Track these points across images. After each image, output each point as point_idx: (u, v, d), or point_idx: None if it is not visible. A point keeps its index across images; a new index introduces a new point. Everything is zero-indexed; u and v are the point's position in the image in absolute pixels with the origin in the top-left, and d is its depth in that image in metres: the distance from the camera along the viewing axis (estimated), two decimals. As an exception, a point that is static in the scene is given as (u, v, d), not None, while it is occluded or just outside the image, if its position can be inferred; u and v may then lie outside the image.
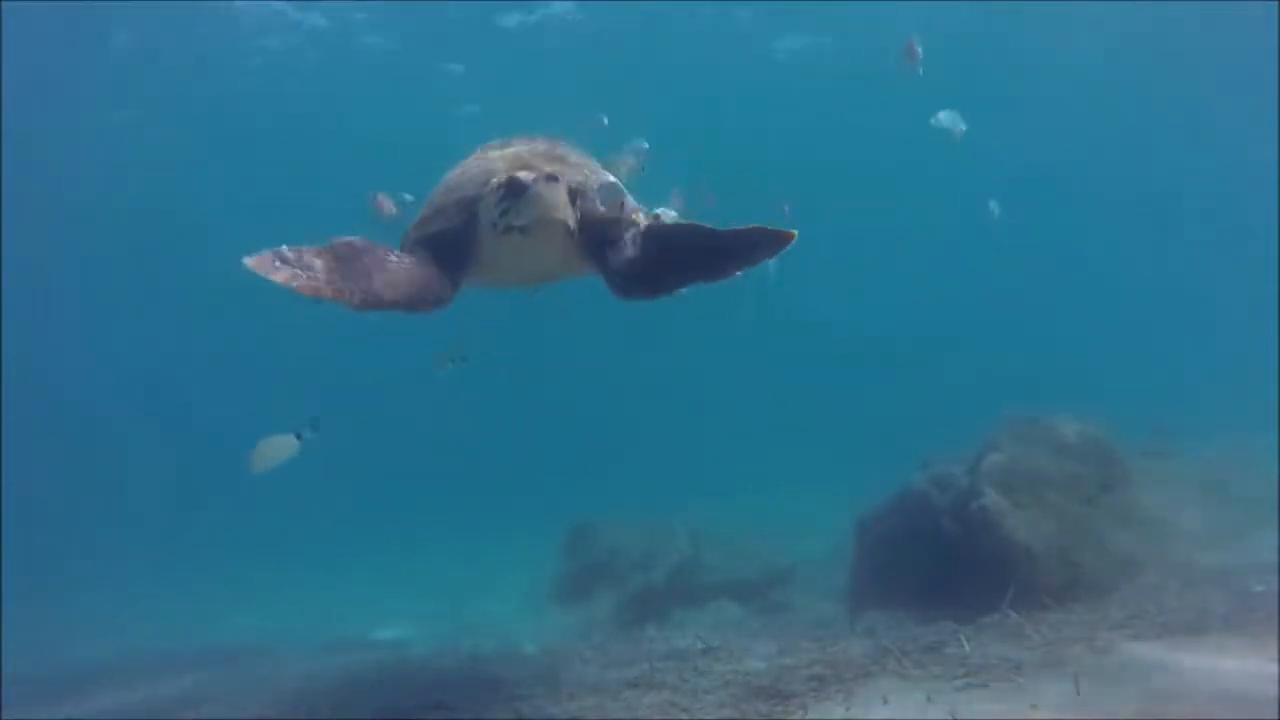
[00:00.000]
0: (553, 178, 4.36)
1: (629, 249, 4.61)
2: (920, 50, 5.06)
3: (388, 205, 6.74)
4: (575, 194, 4.52)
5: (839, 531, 9.31)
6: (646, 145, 5.32)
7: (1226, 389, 15.36)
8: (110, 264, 24.34)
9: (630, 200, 4.98)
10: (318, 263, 4.16)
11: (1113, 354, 23.91)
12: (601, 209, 4.67)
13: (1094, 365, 21.76)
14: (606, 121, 5.71)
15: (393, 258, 4.43)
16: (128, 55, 16.55)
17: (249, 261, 4.02)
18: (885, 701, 5.04)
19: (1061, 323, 28.55)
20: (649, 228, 4.73)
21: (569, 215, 4.42)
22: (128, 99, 17.87)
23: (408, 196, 6.60)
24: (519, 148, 5.06)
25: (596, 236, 4.68)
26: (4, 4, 13.85)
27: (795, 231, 4.32)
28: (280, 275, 4.02)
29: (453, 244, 4.70)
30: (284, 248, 4.16)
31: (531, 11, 17.21)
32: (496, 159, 4.96)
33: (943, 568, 7.53)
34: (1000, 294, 29.96)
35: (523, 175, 4.46)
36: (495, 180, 4.61)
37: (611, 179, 4.90)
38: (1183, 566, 7.33)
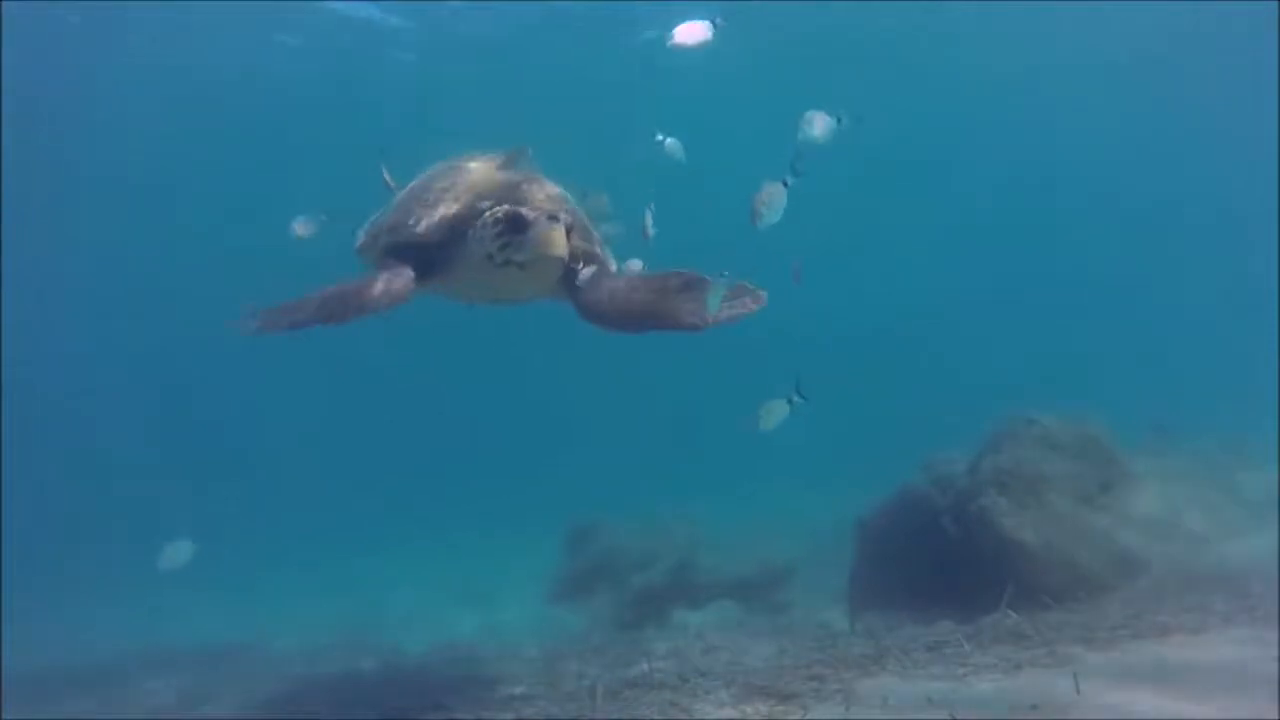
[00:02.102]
0: (554, 217, 4.52)
1: (610, 287, 4.86)
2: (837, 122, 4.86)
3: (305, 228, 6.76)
4: (569, 230, 4.68)
5: (839, 531, 9.31)
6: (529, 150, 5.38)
7: (1226, 388, 15.36)
8: (113, 262, 24.37)
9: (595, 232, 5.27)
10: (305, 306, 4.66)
11: (1113, 354, 23.90)
12: (580, 243, 4.91)
13: (1094, 365, 21.76)
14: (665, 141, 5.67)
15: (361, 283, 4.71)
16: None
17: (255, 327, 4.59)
18: (885, 701, 5.04)
19: (1061, 322, 28.53)
20: (643, 278, 4.97)
21: (565, 252, 4.58)
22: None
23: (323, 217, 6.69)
24: (500, 169, 5.15)
25: (573, 268, 4.94)
26: (4, 4, 13.84)
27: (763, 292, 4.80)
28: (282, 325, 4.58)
29: (429, 256, 4.83)
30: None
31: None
32: (478, 178, 5.04)
33: (943, 568, 7.53)
34: (1000, 293, 29.99)
35: (525, 212, 4.60)
36: (493, 211, 4.70)
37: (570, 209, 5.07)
38: (1183, 566, 7.32)
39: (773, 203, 4.61)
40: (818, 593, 9.34)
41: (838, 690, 5.36)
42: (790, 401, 5.04)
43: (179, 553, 6.37)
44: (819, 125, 4.95)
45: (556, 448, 23.69)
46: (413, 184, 5.46)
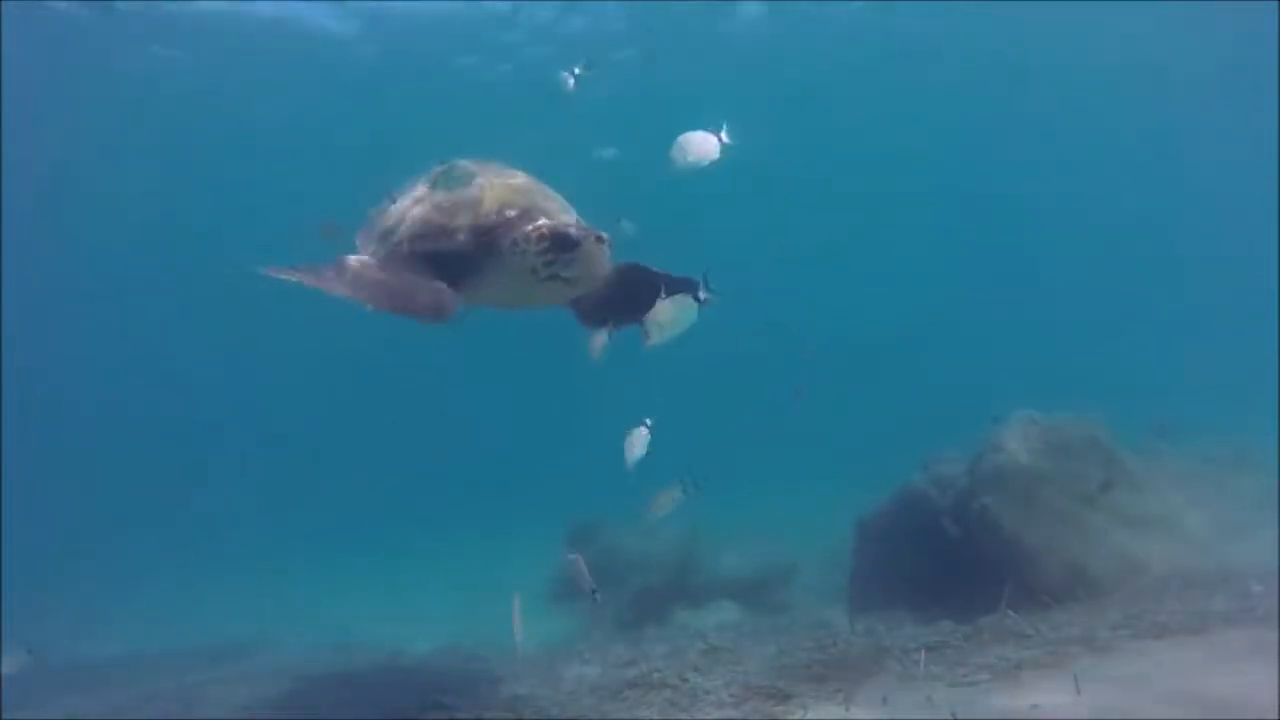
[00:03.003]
0: (600, 238, 4.65)
1: (609, 291, 5.10)
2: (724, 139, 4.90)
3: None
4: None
5: (839, 531, 9.31)
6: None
7: (1226, 388, 15.35)
8: (113, 264, 24.38)
9: None
10: (353, 275, 4.65)
11: (1113, 354, 23.90)
12: None
13: (1094, 365, 21.75)
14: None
15: (413, 275, 4.75)
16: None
17: (288, 274, 4.45)
18: (885, 701, 5.05)
19: (1062, 323, 28.55)
20: (620, 272, 5.15)
21: (608, 270, 4.78)
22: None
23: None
24: (516, 179, 5.15)
25: None
26: (4, 4, 13.85)
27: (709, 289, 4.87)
28: (328, 285, 4.49)
29: (455, 265, 4.84)
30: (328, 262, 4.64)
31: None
32: (492, 186, 5.05)
33: (943, 568, 7.54)
34: (1001, 294, 30.00)
35: (572, 231, 4.69)
36: (536, 228, 4.74)
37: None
38: (1183, 566, 7.32)
39: (671, 321, 4.49)
40: (818, 593, 9.36)
41: (838, 690, 5.36)
42: (685, 490, 5.22)
43: (11, 663, 6.36)
44: (699, 148, 4.91)
45: (558, 448, 23.69)
46: (417, 191, 5.41)
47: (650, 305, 4.80)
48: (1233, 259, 28.07)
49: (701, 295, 4.43)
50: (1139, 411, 11.19)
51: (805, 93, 21.04)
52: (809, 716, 4.96)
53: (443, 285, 4.70)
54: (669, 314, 4.44)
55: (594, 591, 5.17)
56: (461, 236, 4.87)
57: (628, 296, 5.03)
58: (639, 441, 5.17)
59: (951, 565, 7.46)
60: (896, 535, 8.33)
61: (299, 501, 20.18)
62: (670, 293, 4.78)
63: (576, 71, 5.34)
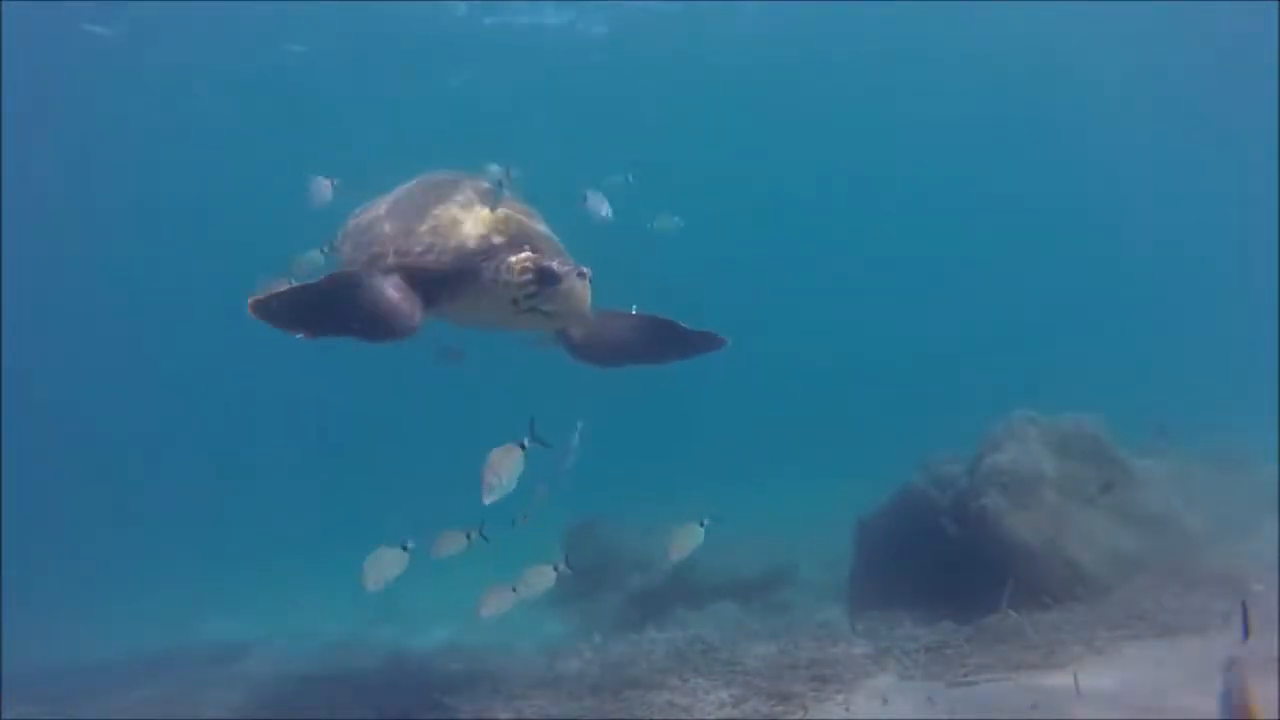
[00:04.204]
0: (583, 274, 4.67)
1: (597, 328, 5.25)
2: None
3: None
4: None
5: (839, 531, 9.30)
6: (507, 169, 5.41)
7: (1227, 388, 15.34)
8: (111, 266, 24.37)
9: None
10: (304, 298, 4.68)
11: (1113, 354, 23.90)
12: None
13: (1094, 365, 21.75)
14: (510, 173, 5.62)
15: (381, 291, 4.75)
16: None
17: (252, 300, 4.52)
18: (885, 701, 5.06)
19: (1062, 322, 28.53)
20: (627, 316, 5.31)
21: (589, 306, 4.79)
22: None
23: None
24: (506, 202, 5.11)
25: None
26: (4, 4, 13.86)
27: (728, 340, 5.39)
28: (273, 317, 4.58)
29: (435, 284, 4.84)
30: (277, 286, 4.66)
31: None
32: (482, 208, 5.00)
33: (943, 568, 7.52)
34: (1001, 294, 29.99)
35: (556, 267, 4.70)
36: (519, 260, 4.73)
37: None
38: (1183, 566, 7.32)
39: (505, 470, 4.51)
40: (818, 593, 9.34)
41: (838, 690, 5.37)
42: (556, 569, 5.47)
43: None
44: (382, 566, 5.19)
45: (556, 448, 23.66)
46: (403, 198, 5.31)
47: (644, 353, 5.21)
48: (1233, 259, 28.06)
49: (525, 443, 4.47)
50: (1139, 411, 11.18)
51: (806, 93, 21.07)
52: (809, 717, 4.96)
53: (412, 301, 4.69)
54: (500, 464, 4.50)
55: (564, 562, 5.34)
56: (446, 257, 4.83)
57: (622, 342, 5.26)
58: (543, 579, 5.36)
59: (951, 565, 7.44)
60: (896, 535, 8.31)
61: (298, 500, 20.15)
62: (692, 346, 5.31)
63: (511, 174, 5.40)
